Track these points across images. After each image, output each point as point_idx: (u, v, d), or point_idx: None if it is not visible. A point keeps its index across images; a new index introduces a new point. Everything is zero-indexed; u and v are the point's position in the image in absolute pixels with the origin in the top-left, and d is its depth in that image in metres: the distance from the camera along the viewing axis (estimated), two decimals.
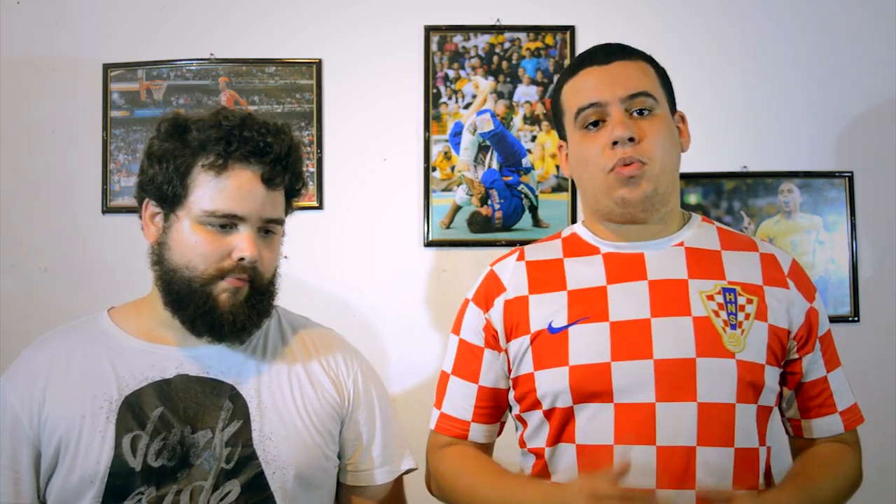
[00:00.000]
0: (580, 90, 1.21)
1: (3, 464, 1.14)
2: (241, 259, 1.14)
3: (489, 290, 1.27)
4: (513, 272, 1.26)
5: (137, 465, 1.11)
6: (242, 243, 1.15)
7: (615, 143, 1.15)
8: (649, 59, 1.24)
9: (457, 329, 1.30)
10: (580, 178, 1.24)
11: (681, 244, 1.22)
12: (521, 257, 1.28)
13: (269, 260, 1.20)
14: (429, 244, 1.95)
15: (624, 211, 1.19)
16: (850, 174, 1.92)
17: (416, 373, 1.92)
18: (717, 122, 1.95)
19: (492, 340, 1.25)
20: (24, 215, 1.98)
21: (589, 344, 1.15)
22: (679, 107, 1.29)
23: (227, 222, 1.15)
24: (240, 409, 1.17)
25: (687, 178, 1.93)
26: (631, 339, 1.14)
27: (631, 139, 1.14)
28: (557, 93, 1.27)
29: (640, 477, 1.09)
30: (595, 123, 1.18)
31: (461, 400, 1.27)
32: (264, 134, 1.17)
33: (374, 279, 1.96)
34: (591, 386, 1.14)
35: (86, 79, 1.99)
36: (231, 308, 1.15)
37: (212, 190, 1.14)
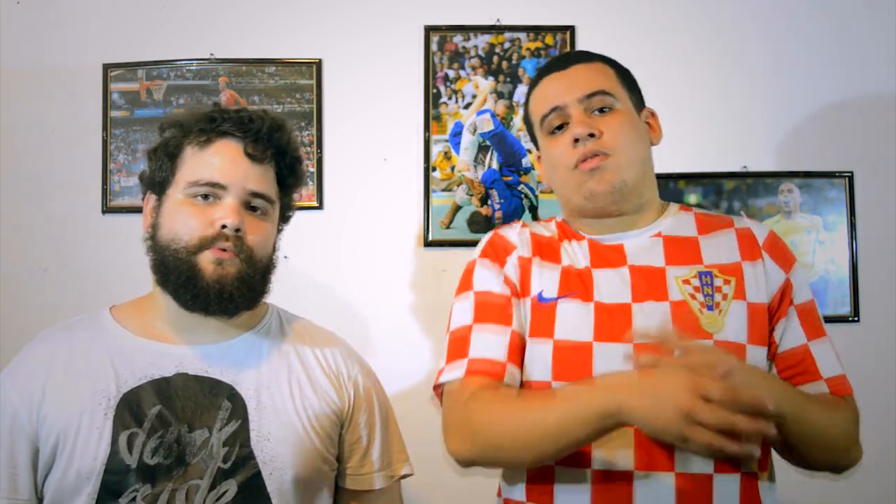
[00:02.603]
0: (542, 98, 1.26)
1: (1, 459, 1.14)
2: (224, 227, 1.15)
3: (498, 248, 1.25)
4: (519, 235, 1.27)
5: (133, 462, 1.11)
6: (224, 211, 1.16)
7: (577, 140, 1.20)
8: (610, 62, 1.28)
9: (467, 287, 1.24)
10: (552, 182, 1.29)
11: (658, 234, 1.24)
12: (524, 226, 1.30)
13: (258, 236, 1.20)
14: (429, 244, 1.95)
15: (595, 205, 1.22)
16: (850, 174, 1.92)
17: (416, 373, 1.92)
18: (717, 122, 1.95)
19: (514, 290, 1.21)
20: (24, 215, 1.98)
21: (573, 321, 1.17)
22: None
23: (210, 192, 1.16)
24: (238, 409, 1.17)
25: (687, 178, 1.93)
26: (613, 322, 1.16)
27: (591, 135, 1.19)
28: (526, 106, 1.32)
29: (619, 456, 1.10)
30: (560, 127, 1.23)
31: (494, 344, 1.17)
32: (248, 112, 1.21)
33: (374, 279, 1.96)
34: (572, 364, 1.15)
35: (86, 79, 1.99)
36: (218, 278, 1.15)
37: (197, 163, 1.18)
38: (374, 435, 1.28)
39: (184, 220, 1.16)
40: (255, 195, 1.19)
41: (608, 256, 1.22)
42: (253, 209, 1.20)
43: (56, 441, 1.13)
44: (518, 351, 1.18)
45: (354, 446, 1.27)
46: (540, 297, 1.20)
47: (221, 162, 1.17)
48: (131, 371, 1.17)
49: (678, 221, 1.26)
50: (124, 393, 1.15)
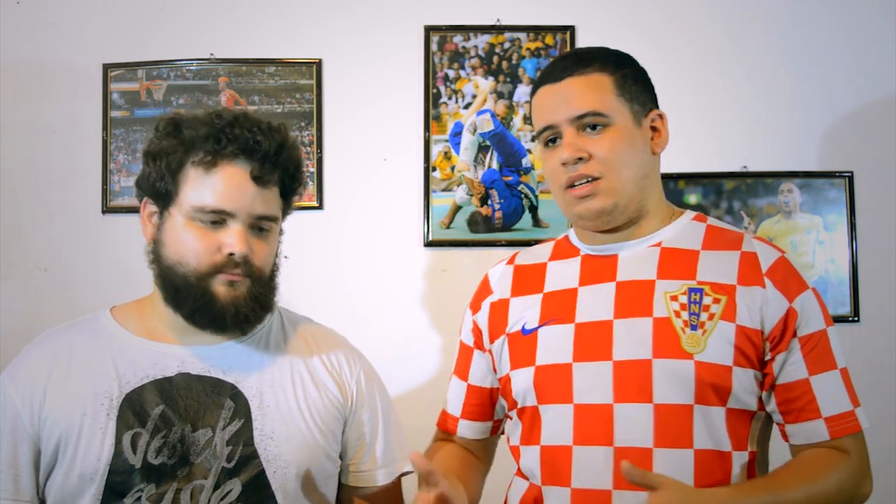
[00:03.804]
0: (538, 110, 1.23)
1: (2, 461, 1.13)
2: (231, 255, 1.14)
3: (480, 293, 1.34)
4: (500, 276, 1.32)
5: (137, 462, 1.11)
6: (231, 238, 1.15)
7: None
8: (610, 66, 1.20)
9: (460, 332, 1.37)
10: (550, 189, 1.28)
11: (658, 244, 1.21)
12: (510, 261, 1.34)
13: (263, 256, 1.19)
14: (429, 244, 1.95)
15: (584, 224, 1.22)
16: (850, 174, 1.92)
17: (416, 373, 1.92)
18: (717, 122, 1.95)
19: (478, 341, 1.32)
20: (24, 215, 1.98)
21: (554, 345, 1.18)
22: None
23: (217, 218, 1.15)
24: (241, 408, 1.17)
25: (687, 178, 1.93)
26: (593, 341, 1.16)
27: (580, 159, 1.16)
28: (530, 106, 1.29)
29: (597, 478, 1.10)
30: (554, 140, 1.21)
31: (455, 397, 1.34)
32: (255, 132, 1.17)
33: (374, 279, 1.96)
34: (553, 386, 1.16)
35: (86, 79, 1.99)
36: (233, 300, 1.15)
37: (201, 186, 1.15)
38: (377, 432, 1.29)
39: (190, 244, 1.15)
40: (262, 218, 1.18)
41: (599, 271, 1.22)
42: (259, 230, 1.19)
43: (58, 442, 1.13)
44: (475, 401, 1.32)
45: (357, 443, 1.27)
46: (523, 330, 1.23)
47: (227, 188, 1.15)
48: (133, 371, 1.17)
49: (685, 231, 1.22)
50: (127, 393, 1.15)
